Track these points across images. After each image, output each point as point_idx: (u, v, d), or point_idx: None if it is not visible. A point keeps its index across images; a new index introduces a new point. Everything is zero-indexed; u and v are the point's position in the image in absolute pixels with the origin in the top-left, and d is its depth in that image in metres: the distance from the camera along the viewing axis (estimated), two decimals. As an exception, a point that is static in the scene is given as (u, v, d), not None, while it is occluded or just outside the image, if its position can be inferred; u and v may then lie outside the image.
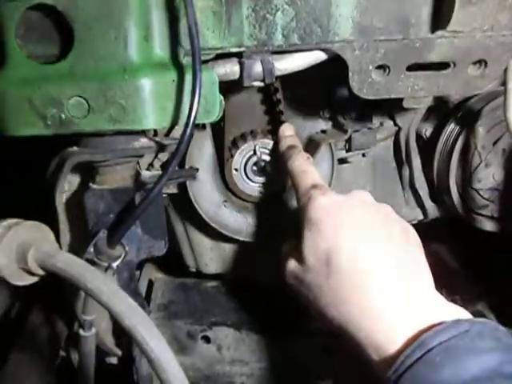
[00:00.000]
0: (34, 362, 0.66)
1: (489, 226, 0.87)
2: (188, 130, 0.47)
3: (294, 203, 0.79)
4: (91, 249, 0.51)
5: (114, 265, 0.52)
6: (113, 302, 0.39)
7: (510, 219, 0.86)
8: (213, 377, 0.83)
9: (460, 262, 1.06)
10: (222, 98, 0.57)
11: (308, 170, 0.64)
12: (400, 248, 0.54)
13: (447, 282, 1.00)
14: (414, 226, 0.94)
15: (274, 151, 0.77)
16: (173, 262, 0.97)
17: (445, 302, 0.52)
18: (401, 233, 0.57)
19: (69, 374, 0.72)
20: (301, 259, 0.56)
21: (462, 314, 0.50)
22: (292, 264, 0.58)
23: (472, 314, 0.82)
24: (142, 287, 0.94)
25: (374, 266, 0.52)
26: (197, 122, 0.49)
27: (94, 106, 0.50)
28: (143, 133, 0.57)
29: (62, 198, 0.55)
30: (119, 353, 0.74)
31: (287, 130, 0.74)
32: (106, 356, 0.77)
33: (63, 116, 0.50)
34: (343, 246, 0.53)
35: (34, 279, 0.48)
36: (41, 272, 0.46)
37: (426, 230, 1.01)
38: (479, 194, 0.83)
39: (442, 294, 0.53)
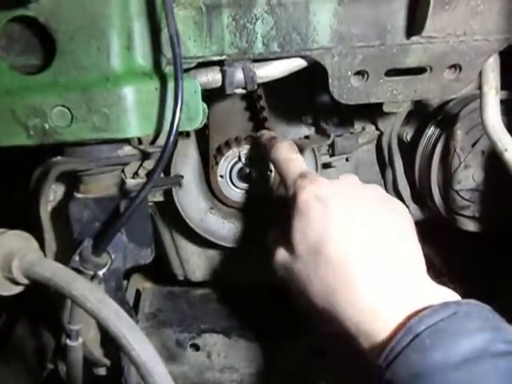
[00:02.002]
0: (20, 374, 0.66)
1: (471, 226, 0.88)
2: (171, 138, 0.47)
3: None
4: (76, 257, 0.51)
5: (100, 273, 0.52)
6: (98, 309, 0.39)
7: (490, 219, 0.88)
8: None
9: (444, 263, 1.08)
10: (205, 105, 0.58)
11: (293, 157, 0.63)
12: (389, 233, 0.54)
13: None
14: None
15: (259, 157, 0.78)
16: (160, 271, 0.97)
17: (433, 286, 0.51)
18: (393, 215, 0.57)
19: (57, 386, 0.71)
20: (290, 248, 0.56)
21: (450, 295, 0.50)
22: (281, 253, 0.58)
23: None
24: (130, 297, 0.94)
25: (362, 255, 0.52)
26: (180, 129, 0.50)
27: (77, 115, 0.50)
28: (127, 141, 0.57)
29: (46, 207, 0.55)
30: (107, 363, 0.74)
31: (265, 131, 0.75)
32: (94, 367, 0.77)
33: (46, 126, 0.50)
34: (331, 235, 0.53)
35: (19, 289, 0.47)
36: (25, 281, 0.46)
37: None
38: (460, 195, 0.85)
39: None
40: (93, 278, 0.52)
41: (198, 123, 0.54)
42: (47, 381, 0.73)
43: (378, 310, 0.49)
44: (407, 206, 0.90)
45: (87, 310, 0.40)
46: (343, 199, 0.56)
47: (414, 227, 0.58)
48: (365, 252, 0.52)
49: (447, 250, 1.09)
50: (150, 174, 0.49)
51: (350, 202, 0.56)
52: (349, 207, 0.55)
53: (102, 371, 0.81)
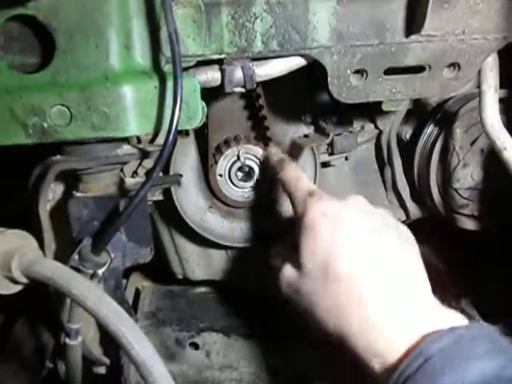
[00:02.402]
0: (19, 374, 0.66)
1: (469, 224, 0.89)
2: (170, 137, 0.47)
3: (280, 208, 0.80)
4: (76, 256, 0.51)
5: (100, 272, 0.52)
6: (98, 307, 0.39)
7: (489, 217, 0.88)
8: (202, 383, 0.83)
9: (444, 262, 1.08)
10: (204, 104, 0.57)
11: (302, 177, 0.64)
12: (397, 255, 0.54)
13: (432, 282, 1.02)
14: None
15: (258, 157, 0.78)
16: (159, 270, 0.97)
17: (441, 309, 0.52)
18: (398, 239, 0.57)
19: (56, 385, 0.71)
20: (298, 265, 0.56)
21: (458, 319, 0.50)
22: (288, 270, 0.58)
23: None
24: (129, 295, 0.94)
25: (371, 274, 0.52)
26: (179, 128, 0.50)
27: (76, 114, 0.50)
28: (126, 140, 0.57)
29: (45, 206, 0.55)
30: (107, 362, 0.74)
31: (273, 149, 0.77)
32: (94, 366, 0.77)
33: (45, 125, 0.50)
34: (341, 253, 0.53)
35: (18, 288, 0.47)
36: (25, 280, 0.46)
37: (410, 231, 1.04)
38: (459, 194, 0.85)
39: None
40: (92, 276, 0.52)
41: (198, 122, 0.54)
42: (46, 380, 0.73)
43: (388, 332, 0.49)
44: (406, 205, 0.91)
45: (87, 308, 0.40)
46: (352, 218, 0.56)
47: (418, 250, 0.58)
48: (374, 272, 0.52)
49: (446, 249, 1.10)
50: (149, 173, 0.49)
51: (358, 221, 0.56)
52: (357, 226, 0.55)
53: (102, 370, 0.81)
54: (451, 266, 1.07)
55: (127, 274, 0.97)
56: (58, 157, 0.54)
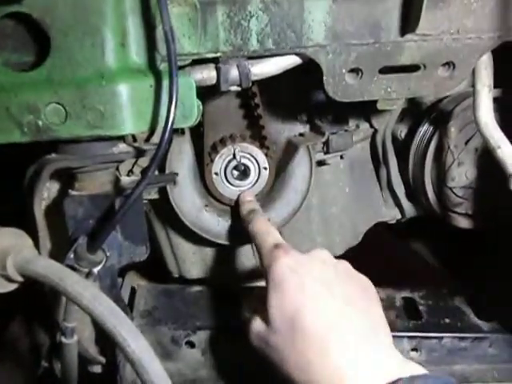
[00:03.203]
0: (14, 372, 0.65)
1: (464, 223, 0.89)
2: (166, 135, 0.47)
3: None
4: (71, 255, 0.51)
5: (95, 270, 0.52)
6: (93, 305, 0.39)
7: (483, 216, 0.89)
8: (198, 381, 0.83)
9: (438, 260, 1.09)
10: (199, 103, 0.58)
11: (269, 230, 0.66)
12: (360, 306, 0.57)
13: (426, 280, 1.02)
14: (393, 225, 0.98)
15: (254, 155, 0.78)
16: (155, 269, 0.97)
17: (400, 360, 0.54)
18: (360, 290, 0.59)
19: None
20: (267, 320, 0.57)
21: (417, 369, 0.52)
22: (257, 324, 0.59)
23: (450, 309, 0.85)
24: (125, 294, 0.94)
25: (335, 327, 0.54)
26: (175, 126, 0.50)
27: (71, 112, 0.50)
28: (122, 138, 0.57)
29: (40, 205, 0.55)
30: (103, 361, 0.74)
31: (247, 196, 0.79)
32: (90, 364, 0.77)
33: (40, 123, 0.50)
34: (306, 307, 0.55)
35: (14, 286, 0.47)
36: (20, 278, 0.46)
37: (405, 229, 1.05)
38: (453, 193, 0.85)
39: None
40: (88, 275, 0.52)
41: (193, 120, 0.54)
42: (42, 379, 0.73)
43: (351, 381, 0.51)
44: (401, 204, 0.92)
45: (82, 306, 0.39)
46: (317, 272, 0.58)
47: (379, 300, 0.61)
48: (338, 325, 0.54)
49: (441, 247, 1.10)
50: (144, 172, 0.48)
51: (324, 275, 0.58)
52: (320, 278, 0.57)
53: (98, 369, 0.81)
54: (445, 264, 1.08)
55: (123, 272, 0.97)
56: (53, 155, 0.54)
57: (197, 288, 0.94)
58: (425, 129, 0.86)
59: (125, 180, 0.57)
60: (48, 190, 0.59)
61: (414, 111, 0.89)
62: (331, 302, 0.55)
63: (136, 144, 0.58)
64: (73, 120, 0.50)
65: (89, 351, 0.69)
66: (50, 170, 0.52)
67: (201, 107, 0.56)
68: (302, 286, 0.55)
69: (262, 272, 0.61)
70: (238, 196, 0.80)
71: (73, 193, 0.55)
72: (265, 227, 0.67)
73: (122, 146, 0.55)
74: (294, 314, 0.54)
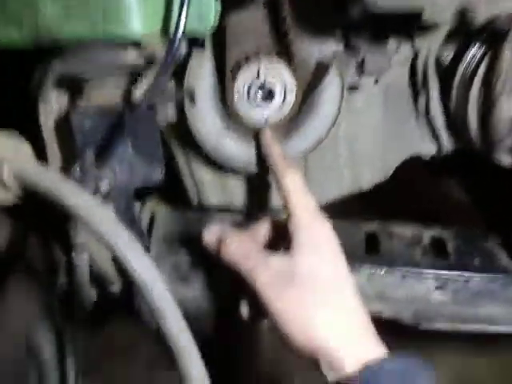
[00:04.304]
0: (31, 290, 0.66)
1: (506, 160, 0.81)
2: (178, 34, 0.41)
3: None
4: (77, 168, 0.48)
5: (103, 186, 0.49)
6: (92, 218, 0.36)
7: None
8: (214, 309, 0.83)
9: (472, 200, 1.03)
10: (219, 7, 0.51)
11: (306, 191, 0.63)
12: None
13: (458, 220, 0.97)
14: (427, 161, 0.91)
15: (280, 75, 0.71)
16: (176, 197, 0.95)
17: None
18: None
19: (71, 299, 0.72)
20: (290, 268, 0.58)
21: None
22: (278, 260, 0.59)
23: (480, 250, 0.80)
24: (144, 221, 0.93)
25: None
26: (189, 28, 0.44)
27: (73, 11, 0.45)
28: (134, 45, 0.51)
29: (47, 114, 0.51)
30: (119, 281, 0.74)
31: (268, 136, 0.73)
32: (107, 284, 0.77)
33: (40, 23, 0.45)
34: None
35: (9, 197, 0.45)
36: (17, 187, 0.43)
37: (438, 165, 0.98)
38: (499, 125, 0.77)
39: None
40: (96, 191, 0.49)
41: (210, 23, 0.48)
42: (60, 296, 0.74)
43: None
44: (439, 135, 0.84)
45: (81, 219, 0.37)
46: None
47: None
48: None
49: (477, 188, 1.03)
50: (154, 80, 0.44)
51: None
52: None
53: (116, 288, 0.81)
54: (480, 205, 1.02)
55: (143, 198, 0.96)
56: (58, 60, 0.49)
57: (216, 215, 0.92)
58: (473, 52, 0.76)
59: (136, 92, 0.52)
60: (58, 102, 0.55)
61: (463, 32, 0.78)
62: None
63: (149, 52, 0.53)
64: (75, 20, 0.45)
65: (104, 270, 0.68)
66: (55, 75, 0.47)
67: (219, 9, 0.50)
68: (336, 253, 0.58)
69: (288, 216, 0.61)
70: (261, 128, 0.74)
71: (80, 103, 0.51)
72: (301, 187, 0.63)
73: (133, 53, 0.50)
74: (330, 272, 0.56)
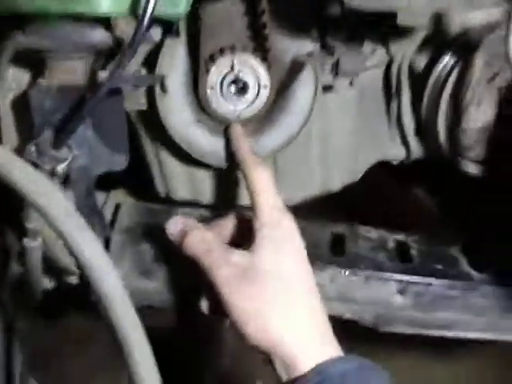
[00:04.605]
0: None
1: (472, 169, 0.83)
2: (147, 14, 0.40)
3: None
4: (32, 148, 0.45)
5: (59, 168, 0.46)
6: (39, 198, 0.34)
7: (494, 164, 0.82)
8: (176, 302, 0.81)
9: (437, 207, 1.05)
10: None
11: (272, 187, 0.63)
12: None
13: (422, 225, 0.98)
14: (394, 166, 0.92)
15: (254, 69, 0.70)
16: (142, 188, 0.93)
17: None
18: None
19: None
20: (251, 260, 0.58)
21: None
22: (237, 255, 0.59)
23: (443, 256, 0.82)
24: (109, 210, 0.90)
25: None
26: (160, 11, 0.43)
27: (39, -18, 0.42)
28: (102, 24, 0.49)
29: (3, 92, 0.49)
30: (76, 272, 0.71)
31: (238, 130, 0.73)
32: (64, 275, 0.74)
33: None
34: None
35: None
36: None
37: (407, 171, 0.99)
38: (467, 134, 0.78)
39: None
40: (52, 174, 0.46)
41: (181, 9, 0.47)
42: (11, 282, 0.70)
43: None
44: (409, 142, 0.85)
45: (27, 198, 0.35)
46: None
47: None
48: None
49: (441, 194, 1.05)
50: (118, 60, 0.42)
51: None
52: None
53: (73, 280, 0.79)
54: (444, 211, 1.04)
55: (109, 189, 0.93)
56: (19, 33, 0.47)
57: (184, 210, 0.90)
58: (446, 61, 0.77)
59: (102, 74, 0.50)
60: (17, 80, 0.53)
61: (437, 40, 0.79)
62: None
63: (122, 35, 0.51)
64: (41, -8, 0.43)
65: (61, 260, 0.66)
66: (12, 48, 0.45)
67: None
68: (299, 252, 0.58)
69: (254, 213, 0.60)
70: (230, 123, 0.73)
71: (41, 81, 0.48)
72: (268, 185, 0.62)
73: (100, 32, 0.48)
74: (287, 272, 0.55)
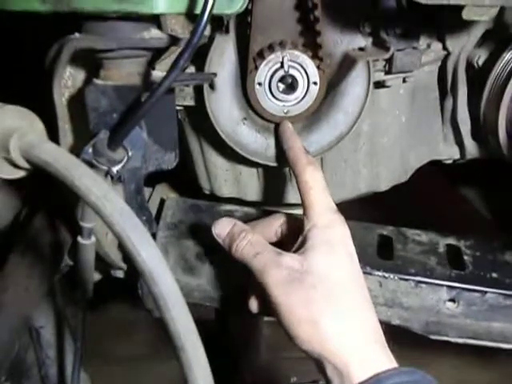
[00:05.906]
0: (34, 266, 0.65)
1: (534, 171, 0.78)
2: (204, 17, 0.39)
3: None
4: (89, 149, 0.45)
5: (115, 169, 0.47)
6: (102, 203, 0.34)
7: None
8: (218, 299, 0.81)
9: (492, 210, 0.99)
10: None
11: (325, 188, 0.61)
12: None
13: (476, 230, 0.94)
14: (448, 166, 0.88)
15: (304, 66, 0.68)
16: (187, 184, 0.93)
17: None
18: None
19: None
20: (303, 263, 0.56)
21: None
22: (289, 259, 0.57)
23: (498, 263, 0.78)
24: (154, 205, 0.91)
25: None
26: (217, 10, 0.42)
27: (97, -18, 0.42)
28: (156, 23, 0.49)
29: (60, 89, 0.49)
30: (124, 267, 0.72)
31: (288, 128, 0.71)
32: (111, 269, 0.76)
33: (63, -8, 0.43)
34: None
35: (20, 173, 0.43)
36: (25, 164, 0.41)
37: (457, 172, 0.95)
38: (530, 135, 0.74)
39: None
40: (107, 174, 0.47)
41: (238, 6, 0.46)
42: (63, 276, 0.72)
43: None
44: (463, 142, 0.81)
45: (90, 203, 0.35)
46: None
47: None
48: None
49: (496, 197, 1.00)
50: (175, 61, 0.41)
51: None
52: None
53: (120, 274, 0.80)
54: (500, 215, 0.99)
55: (154, 184, 0.94)
56: (76, 34, 0.47)
57: (227, 207, 0.90)
58: (508, 57, 0.73)
59: (156, 74, 0.50)
60: (73, 78, 0.53)
61: (499, 34, 0.75)
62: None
63: (172, 32, 0.50)
64: (99, -9, 0.42)
65: (110, 256, 0.67)
66: (71, 49, 0.45)
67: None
68: (351, 255, 0.56)
69: (305, 213, 0.59)
70: (280, 120, 0.71)
71: (96, 81, 0.48)
72: (321, 185, 0.61)
73: (155, 32, 0.48)
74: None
